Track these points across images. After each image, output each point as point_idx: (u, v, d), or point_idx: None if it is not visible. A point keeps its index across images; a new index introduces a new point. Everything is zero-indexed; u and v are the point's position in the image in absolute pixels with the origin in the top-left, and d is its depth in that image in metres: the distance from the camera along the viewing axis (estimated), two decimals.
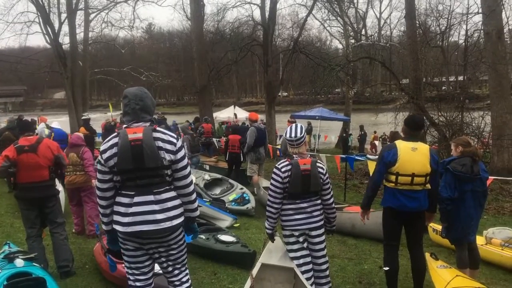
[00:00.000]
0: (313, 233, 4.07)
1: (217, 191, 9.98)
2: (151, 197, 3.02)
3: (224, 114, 27.42)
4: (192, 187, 3.21)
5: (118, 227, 3.06)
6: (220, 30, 22.86)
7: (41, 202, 5.08)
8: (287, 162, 4.00)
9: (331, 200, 4.20)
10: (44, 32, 24.11)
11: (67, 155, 6.73)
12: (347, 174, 10.37)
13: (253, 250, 5.49)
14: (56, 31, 23.82)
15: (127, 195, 3.04)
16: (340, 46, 45.80)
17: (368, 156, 12.02)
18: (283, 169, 3.96)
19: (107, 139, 3.11)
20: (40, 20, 24.12)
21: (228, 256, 5.55)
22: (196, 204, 3.28)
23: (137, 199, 3.01)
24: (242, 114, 24.92)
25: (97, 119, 30.50)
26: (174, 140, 3.09)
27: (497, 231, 5.87)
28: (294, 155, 4.06)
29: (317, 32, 53.60)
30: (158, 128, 3.09)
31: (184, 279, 3.36)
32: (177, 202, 3.12)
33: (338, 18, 31.13)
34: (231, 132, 12.51)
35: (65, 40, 25.70)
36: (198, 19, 18.90)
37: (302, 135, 4.12)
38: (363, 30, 40.90)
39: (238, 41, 19.89)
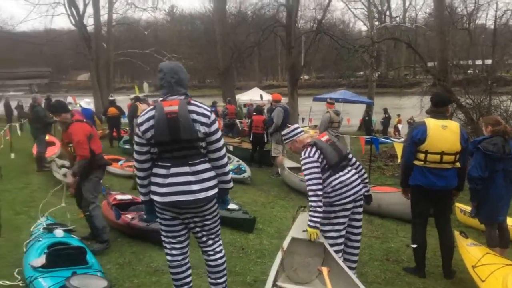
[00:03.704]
0: (359, 203, 4.05)
1: None
2: (186, 169, 3.09)
3: (246, 97, 27.39)
4: (225, 159, 3.27)
5: (155, 197, 3.15)
6: (241, 12, 22.77)
7: None
8: (309, 148, 3.96)
9: (359, 164, 4.23)
10: (69, 13, 24.36)
11: None
12: (371, 156, 10.33)
13: (253, 217, 6.21)
14: (80, 12, 24.06)
15: (164, 167, 3.12)
16: (363, 29, 45.15)
17: (393, 139, 11.95)
18: (311, 154, 3.91)
19: (143, 112, 3.19)
20: (65, 1, 24.37)
21: (231, 222, 6.05)
22: (229, 176, 3.35)
23: (173, 170, 3.09)
24: (265, 97, 24.88)
25: (121, 101, 30.85)
26: (208, 113, 3.14)
27: None
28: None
29: (340, 14, 52.94)
30: (192, 101, 3.15)
31: (218, 249, 3.45)
32: (211, 173, 3.19)
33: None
34: (255, 113, 12.56)
35: (89, 21, 25.90)
36: (221, 0, 18.85)
37: None
38: (388, 11, 40.19)
39: (260, 23, 19.78)
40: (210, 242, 3.42)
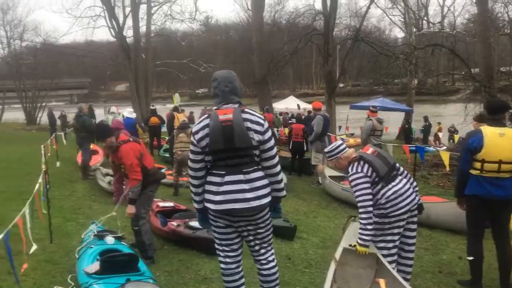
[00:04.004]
0: (414, 212, 3.91)
1: None
2: (240, 177, 3.10)
3: (282, 105, 27.42)
4: (279, 167, 3.27)
5: (210, 205, 3.17)
6: (276, 21, 22.86)
7: None
8: (355, 163, 3.87)
9: (407, 173, 4.10)
10: (110, 25, 25.09)
11: None
12: (415, 165, 10.07)
13: (294, 225, 6.14)
14: (120, 24, 24.72)
15: (218, 175, 3.13)
16: (399, 36, 44.55)
17: (437, 147, 11.64)
18: (359, 169, 3.82)
19: (199, 121, 3.21)
20: (106, 14, 25.10)
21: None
22: (282, 184, 3.34)
23: (227, 178, 3.10)
24: (302, 105, 24.88)
25: (158, 111, 31.42)
26: (262, 121, 3.15)
27: None
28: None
29: (376, 21, 52.29)
30: (246, 109, 3.16)
31: (270, 258, 3.42)
32: (265, 181, 3.18)
33: (399, 6, 30.32)
34: (294, 121, 12.54)
35: (128, 33, 26.57)
36: (259, 9, 18.95)
37: None
38: (425, 18, 39.46)
39: (295, 32, 19.76)
40: (263, 251, 3.40)
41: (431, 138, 22.36)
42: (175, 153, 8.88)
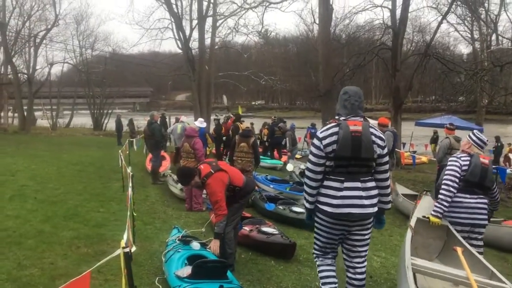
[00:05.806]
0: (476, 229, 4.39)
1: None
2: (358, 184, 3.36)
3: None
4: (389, 181, 3.51)
5: (327, 208, 3.38)
6: (336, 36, 22.73)
7: None
8: (465, 154, 4.43)
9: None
10: (176, 37, 25.80)
11: (182, 144, 8.19)
12: None
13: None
14: (187, 36, 25.39)
15: (338, 180, 3.37)
16: (464, 51, 42.99)
17: None
18: (461, 159, 4.37)
19: (326, 127, 3.42)
20: (173, 26, 25.86)
21: (301, 223, 6.48)
22: (390, 197, 3.55)
23: (346, 184, 3.35)
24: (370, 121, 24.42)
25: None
26: (383, 137, 3.44)
27: None
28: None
29: (440, 37, 50.59)
30: (370, 124, 3.40)
31: (363, 270, 3.60)
32: (376, 191, 3.44)
33: (466, 22, 29.35)
34: None
35: (193, 45, 27.14)
36: (326, 23, 18.89)
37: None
38: (494, 34, 37.90)
39: (355, 46, 19.54)
40: (361, 260, 3.58)
41: (500, 159, 21.24)
42: (235, 161, 8.58)
